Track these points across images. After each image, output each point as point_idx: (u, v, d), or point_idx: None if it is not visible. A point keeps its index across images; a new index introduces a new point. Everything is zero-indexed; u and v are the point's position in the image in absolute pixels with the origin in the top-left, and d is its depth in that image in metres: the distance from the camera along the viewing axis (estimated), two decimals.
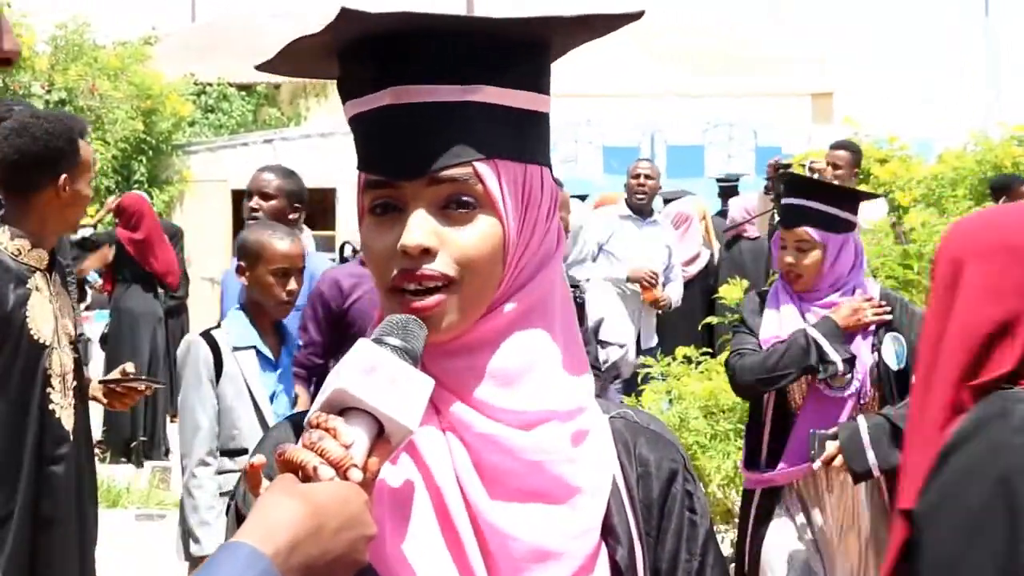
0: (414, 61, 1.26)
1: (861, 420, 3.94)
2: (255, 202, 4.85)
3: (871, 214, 7.07)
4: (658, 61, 19.80)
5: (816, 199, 4.13)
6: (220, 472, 3.97)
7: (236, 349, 4.02)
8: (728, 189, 11.15)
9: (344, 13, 1.23)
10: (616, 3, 1.46)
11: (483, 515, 1.26)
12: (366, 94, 1.28)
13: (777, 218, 8.14)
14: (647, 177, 7.93)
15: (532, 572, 1.26)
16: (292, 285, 4.05)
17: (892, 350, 4.07)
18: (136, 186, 13.20)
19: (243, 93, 18.08)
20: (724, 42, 19.86)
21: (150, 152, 14.12)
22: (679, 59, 20.26)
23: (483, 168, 1.27)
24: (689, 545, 1.38)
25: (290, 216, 4.87)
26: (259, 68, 1.40)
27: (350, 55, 1.30)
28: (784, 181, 4.28)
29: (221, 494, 3.92)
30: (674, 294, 7.96)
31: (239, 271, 4.11)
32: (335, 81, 1.37)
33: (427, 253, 1.25)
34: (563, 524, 1.28)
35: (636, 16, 1.32)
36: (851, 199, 4.29)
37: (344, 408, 1.17)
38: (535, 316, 1.31)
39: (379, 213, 1.28)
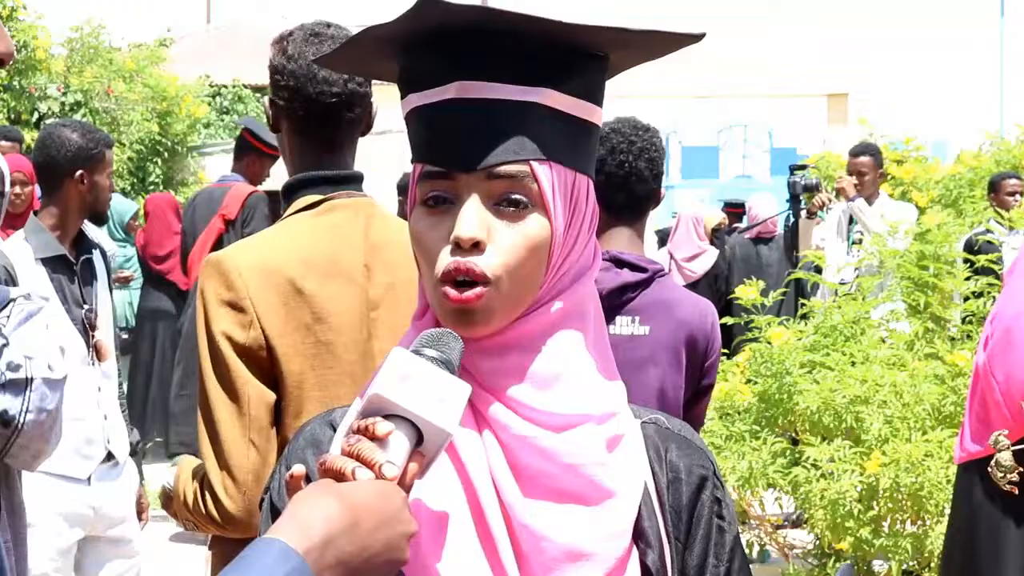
0: (483, 57, 1.27)
1: None
2: None
3: (889, 214, 7.03)
4: (673, 63, 19.78)
5: None
6: None
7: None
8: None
9: (427, 1, 1.23)
10: (655, 21, 1.46)
11: (517, 515, 1.27)
12: (431, 87, 1.29)
13: (793, 219, 8.14)
14: None
15: (564, 573, 1.27)
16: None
17: None
18: (152, 188, 13.21)
19: (258, 95, 18.08)
20: (739, 44, 19.82)
21: (165, 154, 14.12)
22: (694, 61, 20.23)
23: (540, 168, 1.28)
24: (717, 551, 1.39)
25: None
26: (316, 61, 1.42)
27: (419, 47, 1.30)
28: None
29: None
30: None
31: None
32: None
33: (477, 246, 1.26)
34: (595, 526, 1.29)
35: (697, 37, 1.33)
36: None
37: (383, 416, 1.18)
38: (572, 321, 1.33)
39: (432, 205, 1.30)
